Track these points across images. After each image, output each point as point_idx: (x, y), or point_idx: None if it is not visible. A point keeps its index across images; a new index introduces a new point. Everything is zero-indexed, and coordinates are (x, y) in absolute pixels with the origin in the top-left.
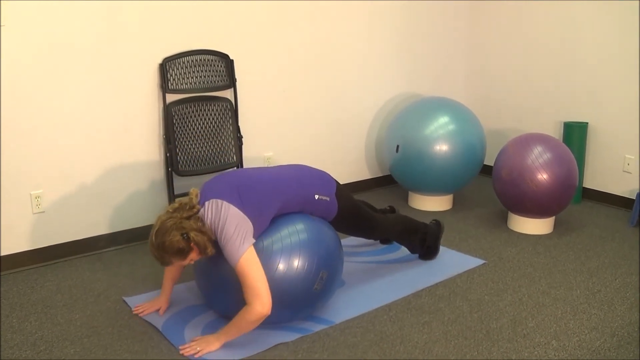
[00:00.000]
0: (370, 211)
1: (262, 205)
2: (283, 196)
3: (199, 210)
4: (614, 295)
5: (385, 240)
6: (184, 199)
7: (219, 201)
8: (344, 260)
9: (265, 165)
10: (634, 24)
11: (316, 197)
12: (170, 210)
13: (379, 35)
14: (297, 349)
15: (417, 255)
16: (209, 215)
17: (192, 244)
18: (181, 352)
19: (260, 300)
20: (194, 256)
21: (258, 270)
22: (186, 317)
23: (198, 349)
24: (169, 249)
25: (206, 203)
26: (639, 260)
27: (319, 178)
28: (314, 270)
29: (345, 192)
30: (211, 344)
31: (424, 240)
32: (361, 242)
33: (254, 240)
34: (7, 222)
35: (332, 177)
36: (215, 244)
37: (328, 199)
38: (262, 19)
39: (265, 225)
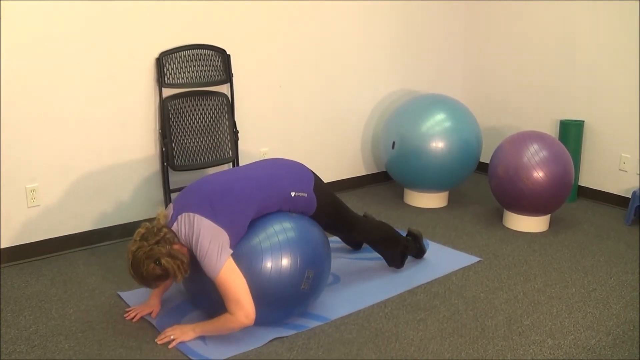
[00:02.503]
0: (350, 209)
1: (236, 214)
2: (258, 200)
3: (166, 234)
4: (610, 293)
5: (353, 244)
6: (150, 223)
7: (191, 215)
8: (333, 258)
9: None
10: (630, 23)
11: (293, 194)
12: (138, 239)
13: (376, 32)
14: (293, 346)
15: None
16: (183, 230)
17: None
18: (157, 340)
19: (244, 312)
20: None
21: (239, 281)
22: (181, 312)
23: (172, 337)
24: (148, 278)
25: (179, 217)
26: (639, 258)
27: (295, 174)
28: (299, 269)
29: (325, 187)
30: (186, 334)
31: (404, 254)
32: None
33: (231, 251)
34: (2, 216)
35: (310, 171)
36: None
37: (306, 195)
38: (259, 14)
39: (242, 232)
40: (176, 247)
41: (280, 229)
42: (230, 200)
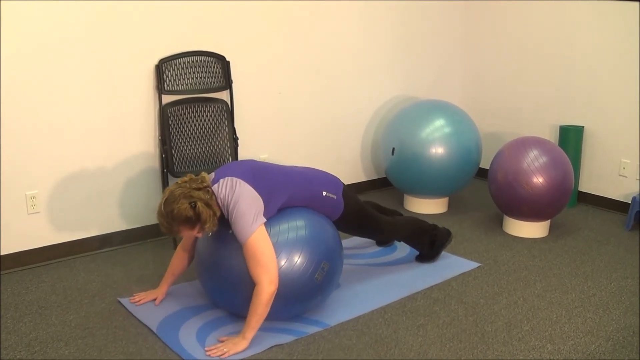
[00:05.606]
0: (376, 213)
1: (272, 191)
2: (292, 187)
3: (208, 186)
4: (609, 299)
5: (382, 242)
6: (195, 175)
7: (234, 179)
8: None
9: None
10: (631, 28)
11: (324, 194)
12: (180, 182)
13: (375, 38)
14: (292, 352)
15: (414, 256)
16: (223, 191)
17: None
18: (207, 353)
19: (268, 276)
20: (199, 229)
21: (268, 247)
22: (181, 318)
23: (225, 350)
24: (177, 217)
25: (220, 180)
26: (639, 264)
27: (328, 177)
28: (316, 260)
29: (352, 194)
30: (238, 345)
31: (432, 242)
32: (357, 244)
33: (265, 220)
34: (1, 223)
35: (340, 180)
36: (222, 224)
37: (335, 197)
38: (258, 20)
39: (272, 213)
40: (213, 203)
41: (302, 225)
42: (270, 178)
